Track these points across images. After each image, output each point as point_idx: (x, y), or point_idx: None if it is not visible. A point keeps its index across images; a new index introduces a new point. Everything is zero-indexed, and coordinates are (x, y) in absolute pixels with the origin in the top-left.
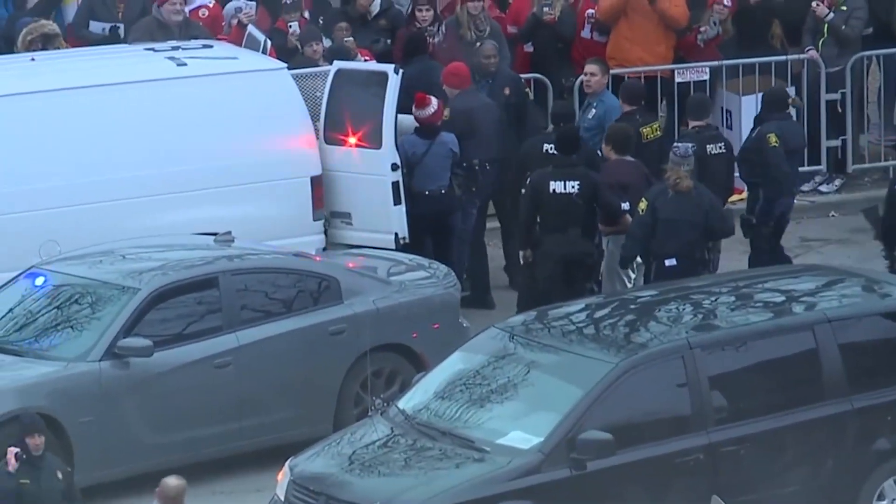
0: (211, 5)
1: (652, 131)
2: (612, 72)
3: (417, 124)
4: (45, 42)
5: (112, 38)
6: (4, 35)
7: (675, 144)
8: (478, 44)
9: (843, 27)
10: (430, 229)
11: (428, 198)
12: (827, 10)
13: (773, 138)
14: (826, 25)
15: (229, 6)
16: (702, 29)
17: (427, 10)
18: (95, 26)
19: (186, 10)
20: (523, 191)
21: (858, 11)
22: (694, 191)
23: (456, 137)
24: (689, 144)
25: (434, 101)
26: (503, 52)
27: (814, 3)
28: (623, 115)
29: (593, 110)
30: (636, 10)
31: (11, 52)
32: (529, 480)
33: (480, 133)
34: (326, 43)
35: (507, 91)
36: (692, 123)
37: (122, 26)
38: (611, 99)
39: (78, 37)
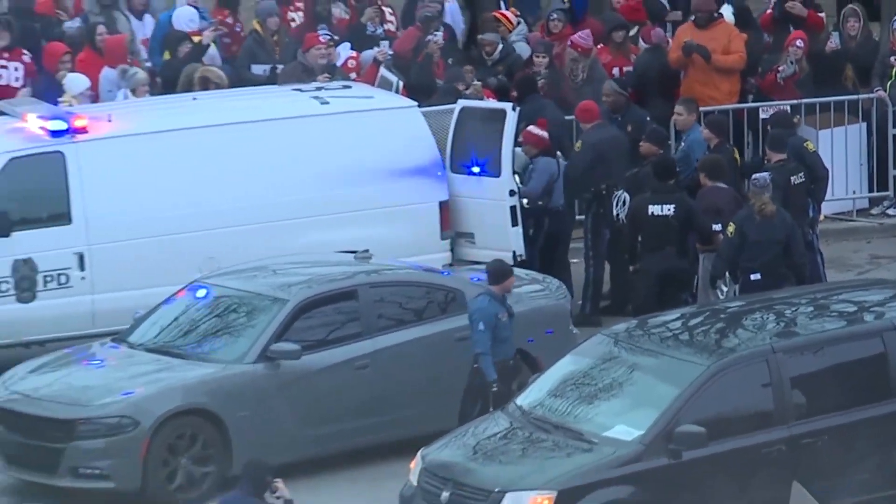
0: (354, 55)
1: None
2: (704, 109)
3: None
4: (205, 84)
5: (272, 79)
6: (164, 77)
7: (753, 176)
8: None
9: None
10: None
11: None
12: None
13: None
14: (894, 70)
15: (367, 52)
16: (780, 68)
17: (543, 57)
18: (257, 68)
19: (337, 62)
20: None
21: None
22: (778, 215)
23: (587, 164)
24: (767, 174)
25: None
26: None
27: (892, 59)
28: (716, 147)
29: (682, 143)
30: (697, 62)
31: (173, 91)
32: (632, 468)
33: (608, 162)
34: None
35: (629, 128)
36: (774, 157)
37: (280, 67)
38: (695, 133)
39: (241, 78)
